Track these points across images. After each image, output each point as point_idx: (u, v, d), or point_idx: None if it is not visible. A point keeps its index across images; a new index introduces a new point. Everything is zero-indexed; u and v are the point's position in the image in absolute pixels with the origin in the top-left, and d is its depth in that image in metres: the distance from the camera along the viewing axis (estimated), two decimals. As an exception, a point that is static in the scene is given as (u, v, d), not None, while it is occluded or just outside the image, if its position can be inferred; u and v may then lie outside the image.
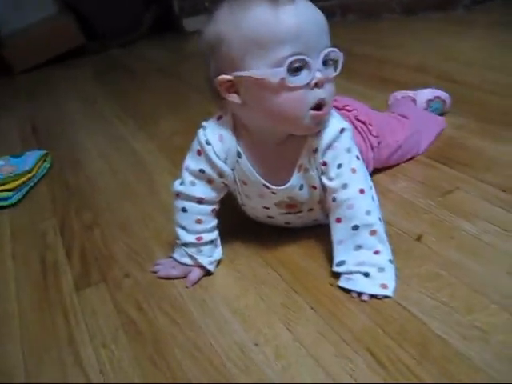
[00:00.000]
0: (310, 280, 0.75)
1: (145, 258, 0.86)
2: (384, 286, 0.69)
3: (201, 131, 0.75)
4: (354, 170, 0.72)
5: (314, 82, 0.66)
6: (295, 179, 0.75)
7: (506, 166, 0.93)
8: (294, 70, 0.65)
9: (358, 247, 0.71)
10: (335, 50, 0.67)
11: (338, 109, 0.86)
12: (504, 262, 0.72)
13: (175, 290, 0.77)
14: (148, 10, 2.49)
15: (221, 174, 0.76)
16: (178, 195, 0.78)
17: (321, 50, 0.66)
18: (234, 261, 0.82)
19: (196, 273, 0.79)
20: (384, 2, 2.28)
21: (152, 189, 1.09)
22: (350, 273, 0.71)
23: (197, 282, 0.78)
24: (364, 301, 0.68)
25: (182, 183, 0.78)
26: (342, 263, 0.72)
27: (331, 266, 0.73)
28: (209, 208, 0.79)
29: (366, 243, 0.71)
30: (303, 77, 0.65)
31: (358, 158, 0.73)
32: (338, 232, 0.73)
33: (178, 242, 0.80)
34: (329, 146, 0.72)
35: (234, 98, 0.69)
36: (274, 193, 0.76)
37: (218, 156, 0.75)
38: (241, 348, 0.65)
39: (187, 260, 0.79)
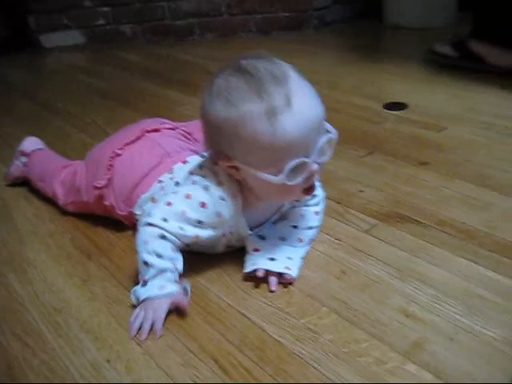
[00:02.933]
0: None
1: None
2: (288, 269, 0.77)
3: (213, 186, 0.75)
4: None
5: (309, 175, 0.70)
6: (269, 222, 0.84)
7: (340, 180, 1.05)
8: (293, 171, 0.68)
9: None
10: (331, 135, 0.70)
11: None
12: (334, 267, 0.81)
13: (29, 316, 0.77)
14: (-1, 25, 2.37)
15: (217, 226, 0.76)
16: (154, 225, 0.74)
17: (317, 143, 0.69)
18: (87, 282, 0.83)
19: (184, 297, 0.74)
20: (241, 22, 2.39)
21: (5, 213, 1.06)
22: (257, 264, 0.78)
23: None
24: (269, 281, 0.77)
25: (165, 220, 0.74)
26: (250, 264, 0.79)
27: None
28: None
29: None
30: (301, 176, 0.69)
31: None
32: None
33: (145, 277, 0.73)
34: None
35: (235, 173, 0.73)
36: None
37: (229, 213, 0.75)
38: (93, 366, 0.67)
39: (172, 287, 0.73)
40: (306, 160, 0.68)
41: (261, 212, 0.82)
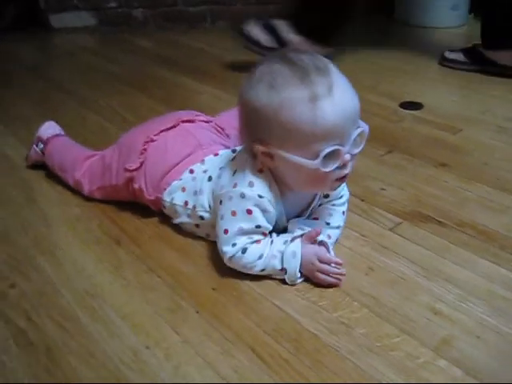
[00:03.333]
0: (192, 284, 0.81)
1: (28, 268, 0.86)
2: (329, 237, 0.85)
3: (247, 190, 0.77)
4: None
5: (342, 164, 0.72)
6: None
7: (362, 177, 1.07)
8: (327, 158, 0.70)
9: None
10: (363, 128, 0.73)
11: None
12: (361, 263, 0.83)
13: (63, 299, 0.78)
14: (10, 2, 2.35)
15: (270, 221, 0.80)
16: (233, 256, 0.78)
17: (352, 134, 0.71)
18: (118, 268, 0.85)
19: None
20: (253, 10, 2.39)
21: (29, 196, 1.07)
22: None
23: None
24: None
25: (234, 245, 0.78)
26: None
27: (210, 270, 0.82)
28: None
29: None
30: (335, 164, 0.71)
31: None
32: None
33: (279, 267, 0.78)
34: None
35: (268, 162, 0.76)
36: None
37: (272, 205, 0.78)
38: (133, 351, 0.69)
39: (293, 243, 0.79)
40: (340, 148, 0.70)
41: (292, 204, 0.84)
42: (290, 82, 0.70)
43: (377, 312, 0.74)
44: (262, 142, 0.74)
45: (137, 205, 0.98)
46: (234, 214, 0.77)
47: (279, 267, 0.78)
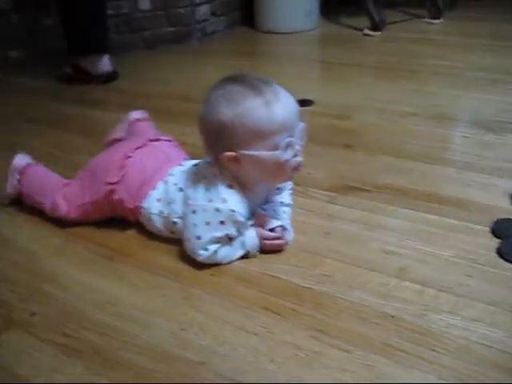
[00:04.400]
0: (193, 276, 0.96)
1: (39, 297, 0.93)
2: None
3: (221, 205, 0.93)
4: None
5: (294, 153, 0.92)
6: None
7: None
8: (284, 148, 0.89)
9: None
10: (302, 123, 0.93)
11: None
12: (318, 231, 1.05)
13: (88, 313, 0.89)
14: None
15: (238, 228, 0.97)
16: (206, 257, 0.96)
17: (297, 128, 0.91)
18: (122, 278, 0.97)
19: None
20: (128, 39, 2.52)
21: (4, 237, 1.13)
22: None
23: None
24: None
25: (206, 249, 0.95)
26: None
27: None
28: None
29: None
30: (290, 152, 0.91)
31: None
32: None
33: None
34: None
35: (235, 167, 0.93)
36: None
37: (242, 216, 0.95)
38: (173, 334, 0.83)
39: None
40: (293, 140, 0.90)
41: (255, 201, 1.02)
42: (246, 95, 0.89)
43: (345, 261, 0.96)
44: (228, 151, 0.91)
45: (112, 223, 1.10)
46: (208, 224, 0.94)
47: (243, 253, 0.98)
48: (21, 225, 1.17)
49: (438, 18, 2.74)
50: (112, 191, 1.05)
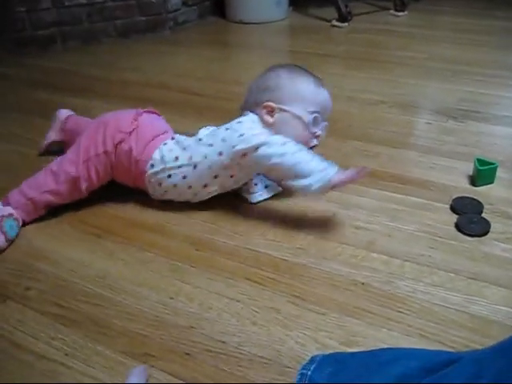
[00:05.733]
0: (178, 251, 1.02)
1: (33, 273, 0.98)
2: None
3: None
4: None
5: (317, 134, 1.13)
6: None
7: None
8: (313, 122, 1.10)
9: None
10: (326, 123, 1.15)
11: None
12: (301, 213, 1.13)
13: (80, 286, 0.94)
14: None
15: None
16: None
17: (324, 121, 1.13)
18: (112, 255, 1.03)
19: None
20: (101, 27, 2.54)
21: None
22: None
23: None
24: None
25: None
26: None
27: (186, 239, 1.05)
28: None
29: None
30: (316, 128, 1.11)
31: None
32: None
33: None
34: None
35: (268, 118, 1.09)
36: None
37: None
38: (162, 303, 0.90)
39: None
40: (320, 117, 1.11)
41: None
42: (303, 72, 1.14)
43: (319, 236, 1.05)
44: (270, 104, 1.09)
45: (94, 204, 1.16)
46: (249, 143, 1.04)
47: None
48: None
49: (402, 11, 2.84)
50: (123, 140, 1.10)
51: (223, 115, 1.61)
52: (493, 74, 1.94)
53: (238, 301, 0.89)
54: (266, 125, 1.09)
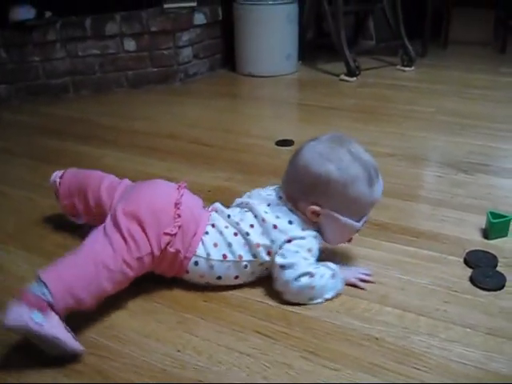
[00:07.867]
0: (186, 303, 1.01)
1: None
2: None
3: (313, 239, 1.01)
4: None
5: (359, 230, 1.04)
6: None
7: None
8: (362, 224, 1.02)
9: None
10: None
11: None
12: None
13: (87, 336, 0.92)
14: None
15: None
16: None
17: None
18: (121, 302, 1.01)
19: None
20: (113, 78, 2.60)
21: None
22: None
23: None
24: None
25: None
26: None
27: (194, 291, 1.03)
28: None
29: None
30: (360, 226, 1.02)
31: None
32: None
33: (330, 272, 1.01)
34: None
35: (313, 217, 1.00)
36: None
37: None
38: (169, 356, 0.87)
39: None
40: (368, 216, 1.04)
41: None
42: (352, 164, 0.97)
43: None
44: (316, 204, 0.98)
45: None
46: (303, 248, 0.99)
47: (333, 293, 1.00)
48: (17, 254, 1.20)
49: (410, 66, 2.89)
50: (169, 243, 0.97)
51: (232, 166, 1.64)
52: (500, 127, 1.95)
53: (249, 355, 0.87)
54: (309, 223, 1.01)
